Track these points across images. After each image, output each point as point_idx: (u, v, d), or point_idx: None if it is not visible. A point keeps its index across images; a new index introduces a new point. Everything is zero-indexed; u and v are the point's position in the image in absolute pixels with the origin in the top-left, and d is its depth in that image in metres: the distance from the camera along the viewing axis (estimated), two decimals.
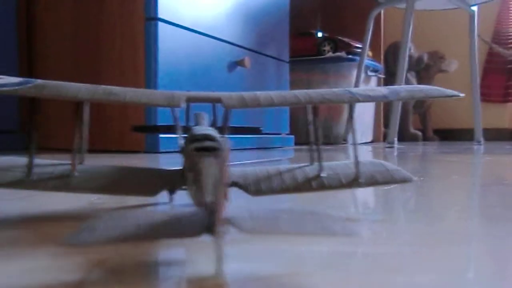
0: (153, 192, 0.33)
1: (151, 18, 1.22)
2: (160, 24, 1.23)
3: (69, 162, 0.34)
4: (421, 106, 3.07)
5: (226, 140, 0.21)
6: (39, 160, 0.34)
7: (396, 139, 1.87)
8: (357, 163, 0.36)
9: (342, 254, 0.24)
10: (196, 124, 0.40)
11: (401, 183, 0.35)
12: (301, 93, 0.37)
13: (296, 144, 1.89)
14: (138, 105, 0.33)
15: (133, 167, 0.36)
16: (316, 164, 0.37)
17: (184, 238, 0.20)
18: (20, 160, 0.33)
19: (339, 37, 2.33)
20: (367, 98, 0.37)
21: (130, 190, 0.34)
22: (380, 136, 2.69)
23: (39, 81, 0.33)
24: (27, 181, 0.32)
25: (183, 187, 0.34)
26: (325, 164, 0.37)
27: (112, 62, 1.27)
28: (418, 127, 3.11)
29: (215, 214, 0.19)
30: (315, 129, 0.38)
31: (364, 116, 2.43)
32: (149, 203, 0.39)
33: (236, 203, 0.35)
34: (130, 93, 0.34)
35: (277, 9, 1.80)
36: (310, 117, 0.39)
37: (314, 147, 0.38)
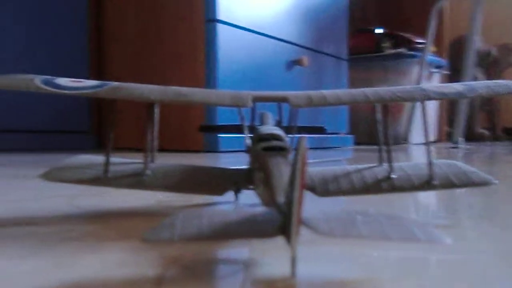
0: (221, 191, 0.34)
1: (211, 20, 1.24)
2: (220, 25, 1.24)
3: (141, 160, 0.35)
4: (489, 104, 2.91)
5: (303, 140, 0.21)
6: (114, 159, 0.35)
7: (461, 138, 1.78)
8: (430, 163, 0.34)
9: (415, 260, 0.23)
10: (262, 124, 0.40)
11: (479, 186, 0.33)
12: (370, 91, 0.36)
13: (355, 144, 1.85)
14: (206, 105, 0.33)
15: (201, 166, 0.37)
16: (385, 165, 0.36)
17: (258, 239, 0.20)
18: (98, 159, 0.35)
19: (400, 33, 2.25)
20: (441, 96, 0.35)
21: (199, 189, 0.34)
22: (443, 136, 2.58)
23: (114, 83, 0.34)
24: (104, 178, 0.33)
25: (250, 186, 0.34)
26: (396, 164, 0.36)
27: (174, 63, 1.30)
28: (485, 125, 2.95)
29: (290, 215, 0.19)
30: (385, 128, 0.36)
31: (427, 115, 2.33)
32: (214, 202, 0.40)
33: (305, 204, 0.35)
34: (198, 94, 0.35)
35: (336, 6, 1.77)
36: (379, 116, 0.38)
37: (384, 147, 0.37)
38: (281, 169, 0.27)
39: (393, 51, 2.21)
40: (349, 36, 1.89)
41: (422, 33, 2.24)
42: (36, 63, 1.26)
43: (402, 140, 2.17)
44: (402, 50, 2.20)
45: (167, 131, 1.24)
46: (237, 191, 0.38)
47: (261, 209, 0.22)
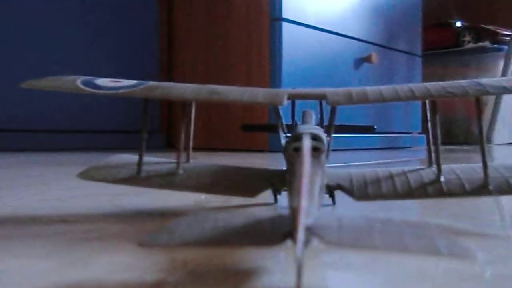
0: (254, 192, 0.33)
1: (276, 19, 1.24)
2: (284, 24, 1.24)
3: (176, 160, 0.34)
4: None
5: (306, 141, 0.19)
6: (150, 158, 0.35)
7: None
8: (485, 165, 0.31)
9: (452, 273, 0.20)
10: (302, 123, 0.38)
11: None
12: (417, 86, 0.33)
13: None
14: (240, 103, 0.32)
15: (237, 166, 0.36)
16: (434, 167, 0.33)
17: (263, 247, 0.18)
18: (135, 158, 0.35)
19: (482, 25, 2.09)
20: (500, 90, 0.31)
21: (231, 190, 0.33)
22: None
23: (151, 83, 0.34)
24: (136, 178, 0.33)
25: (285, 188, 0.32)
26: (446, 167, 0.32)
27: (239, 62, 1.31)
28: None
29: (296, 218, 0.17)
30: (433, 126, 0.33)
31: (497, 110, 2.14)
32: (253, 203, 0.39)
33: (333, 208, 0.33)
34: (232, 92, 0.34)
35: (408, 0, 1.68)
36: (428, 113, 0.34)
37: (433, 147, 0.33)
38: (316, 173, 0.25)
39: (474, 45, 2.06)
40: (425, 30, 1.79)
41: (510, 24, 2.06)
42: (106, 69, 1.32)
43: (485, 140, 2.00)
44: (485, 43, 2.04)
45: (231, 130, 1.30)
46: (276, 192, 0.37)
47: (274, 214, 0.21)
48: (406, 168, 0.34)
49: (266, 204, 0.39)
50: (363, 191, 0.31)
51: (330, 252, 0.22)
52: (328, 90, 0.33)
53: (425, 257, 0.17)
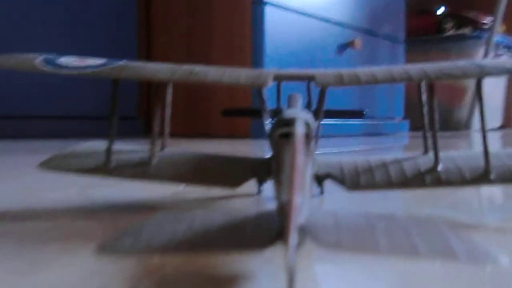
0: (236, 183, 0.30)
1: (259, 2, 1.20)
2: (267, 7, 1.20)
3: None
4: None
5: (298, 128, 0.18)
6: (120, 146, 0.32)
7: None
8: (486, 152, 0.28)
9: (466, 272, 0.18)
10: (289, 107, 0.35)
11: None
12: (413, 68, 0.30)
13: (411, 130, 1.75)
14: (220, 84, 0.29)
15: (218, 154, 0.33)
16: (431, 154, 0.30)
17: (246, 252, 0.15)
18: (102, 146, 0.31)
19: (463, 13, 2.09)
20: (502, 71, 0.28)
21: (210, 180, 0.30)
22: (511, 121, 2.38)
23: (121, 62, 0.31)
24: (105, 168, 0.30)
25: (270, 178, 0.30)
26: (444, 154, 0.30)
27: (221, 45, 1.27)
28: None
29: (288, 218, 0.14)
30: (431, 111, 0.30)
31: (492, 97, 2.16)
32: (236, 194, 0.36)
33: (325, 201, 0.31)
34: (212, 73, 0.31)
35: None
36: (424, 97, 0.32)
37: (429, 133, 0.31)
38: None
39: (455, 32, 2.05)
40: (408, 17, 1.77)
41: (490, 11, 2.05)
42: (84, 50, 1.26)
43: (464, 126, 2.02)
44: (466, 31, 2.04)
45: (212, 115, 1.25)
46: (260, 182, 0.34)
47: (260, 211, 0.18)
48: (400, 156, 0.31)
49: (249, 195, 0.36)
50: (355, 180, 0.29)
51: (326, 256, 0.19)
52: (317, 71, 0.31)
53: (441, 263, 0.14)
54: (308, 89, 0.36)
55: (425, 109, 0.32)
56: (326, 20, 1.37)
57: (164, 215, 0.17)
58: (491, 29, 2.00)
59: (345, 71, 0.31)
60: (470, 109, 2.02)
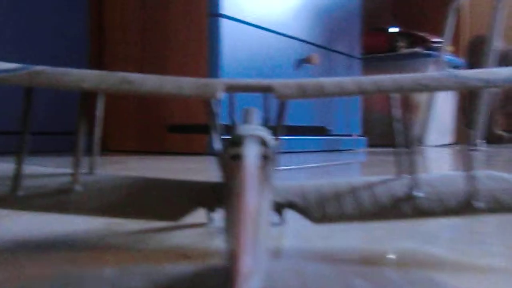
0: (177, 215, 0.24)
1: (214, 15, 1.16)
2: (223, 20, 1.16)
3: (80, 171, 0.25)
4: (508, 104, 2.75)
5: (249, 147, 0.16)
6: (35, 169, 0.26)
7: (481, 140, 1.65)
8: (470, 176, 0.24)
9: None
10: (244, 123, 0.31)
11: None
12: (385, 79, 0.26)
13: (369, 146, 1.75)
14: (161, 96, 0.24)
15: (159, 179, 0.28)
16: (406, 177, 0.26)
17: None
18: (11, 169, 0.25)
19: (415, 32, 2.14)
20: (483, 83, 0.25)
21: (146, 213, 0.24)
22: (460, 137, 2.45)
23: (37, 67, 0.25)
24: (10, 197, 0.23)
25: (220, 207, 0.25)
26: (421, 177, 0.26)
27: (176, 58, 1.22)
28: (504, 127, 2.79)
29: (235, 271, 0.10)
30: (406, 126, 0.26)
31: (443, 114, 2.22)
32: (181, 225, 0.30)
33: (286, 234, 0.27)
34: (150, 82, 0.26)
35: (348, 2, 1.67)
36: (395, 111, 0.28)
37: (403, 151, 0.26)
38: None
39: (408, 50, 2.10)
40: (363, 35, 1.79)
41: (439, 31, 2.12)
42: (31, 52, 1.17)
43: (417, 142, 2.05)
44: (417, 49, 2.09)
45: (165, 131, 1.19)
46: (209, 210, 0.29)
47: (201, 268, 0.13)
48: (371, 179, 0.27)
49: (196, 225, 0.30)
50: (321, 210, 0.24)
51: None
52: (275, 82, 0.26)
53: None
54: (265, 102, 0.31)
55: (397, 124, 0.28)
56: (284, 35, 1.35)
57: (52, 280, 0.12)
58: (440, 48, 2.06)
59: (308, 81, 0.26)
60: (424, 124, 2.05)
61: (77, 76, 0.25)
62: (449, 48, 2.19)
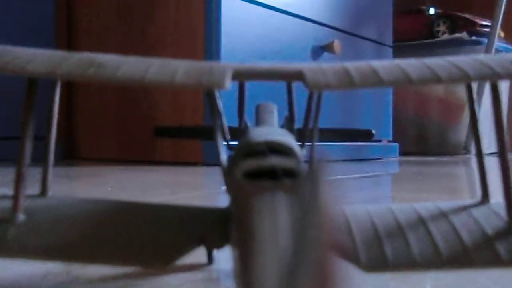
0: (169, 256, 0.21)
1: None
2: None
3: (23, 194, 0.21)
4: None
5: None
6: None
7: None
8: None
9: None
10: (258, 124, 0.29)
11: None
12: (457, 62, 0.23)
13: (401, 154, 1.75)
14: (142, 84, 0.21)
15: (140, 203, 0.24)
16: (496, 201, 0.22)
17: None
18: None
19: (458, 14, 2.11)
20: None
21: (124, 254, 0.21)
22: None
23: None
24: None
25: (227, 243, 0.22)
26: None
27: (166, 36, 1.22)
28: None
29: None
30: (500, 127, 0.22)
31: (490, 118, 2.18)
32: (173, 268, 0.26)
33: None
34: (130, 66, 0.23)
35: None
36: (474, 105, 0.24)
37: (488, 159, 0.23)
38: (278, 223, 0.16)
39: (449, 36, 2.07)
40: (395, 18, 1.77)
41: (488, 13, 2.09)
42: None
43: (462, 149, 2.01)
44: (461, 35, 2.06)
45: (153, 136, 1.17)
46: (212, 248, 0.26)
47: None
48: (442, 204, 0.23)
49: (194, 268, 0.26)
50: (374, 255, 0.20)
51: None
52: (305, 66, 0.23)
53: None
54: (290, 96, 0.28)
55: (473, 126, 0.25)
56: (299, 17, 1.34)
57: None
58: (490, 34, 2.02)
59: (352, 65, 0.23)
60: (469, 131, 2.01)
61: (22, 56, 0.21)
62: (500, 33, 2.15)
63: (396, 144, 1.72)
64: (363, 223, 0.22)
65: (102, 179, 0.83)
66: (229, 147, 0.28)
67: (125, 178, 0.84)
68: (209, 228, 0.22)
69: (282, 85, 0.27)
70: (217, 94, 0.25)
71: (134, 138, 1.25)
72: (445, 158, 1.68)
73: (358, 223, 0.22)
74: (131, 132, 1.26)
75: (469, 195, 0.65)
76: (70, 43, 1.34)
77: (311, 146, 0.25)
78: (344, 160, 1.39)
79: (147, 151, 1.22)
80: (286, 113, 0.30)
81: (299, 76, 0.21)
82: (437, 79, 0.21)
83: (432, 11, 2.14)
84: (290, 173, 0.19)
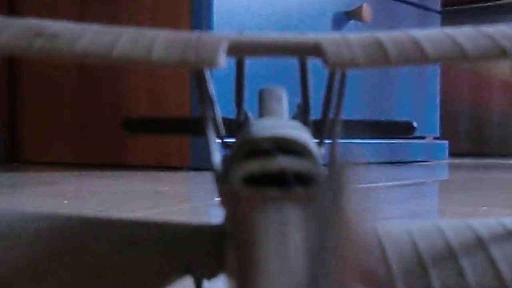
0: None
1: None
2: None
3: None
4: None
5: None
6: None
7: None
8: None
9: None
10: (263, 114, 0.31)
11: None
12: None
13: (452, 155, 1.79)
14: (108, 62, 0.23)
15: (106, 219, 0.26)
16: None
17: None
18: None
19: None
20: None
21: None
22: None
23: None
24: None
25: (220, 269, 0.24)
26: None
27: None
28: None
29: None
30: None
31: None
32: None
33: None
34: (90, 36, 0.23)
35: None
36: None
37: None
38: (288, 246, 0.18)
39: None
40: None
41: None
42: None
43: None
44: None
45: (139, 140, 1.23)
46: (198, 280, 0.27)
47: None
48: (507, 220, 0.25)
49: None
50: (419, 287, 0.22)
51: None
52: (324, 37, 0.24)
53: None
54: (304, 77, 0.29)
55: None
56: None
57: None
58: None
59: (385, 36, 0.24)
60: None
61: None
62: None
63: (445, 142, 1.75)
64: (402, 245, 0.24)
65: (56, 189, 0.84)
66: (225, 145, 0.29)
67: (86, 187, 0.86)
68: (197, 251, 0.24)
69: (293, 63, 0.28)
70: (208, 75, 0.26)
71: (98, 136, 1.29)
72: (510, 161, 1.70)
73: (396, 246, 0.23)
74: (94, 127, 1.29)
75: None
76: (11, 7, 1.37)
77: (333, 143, 0.26)
78: (376, 163, 1.41)
79: (116, 153, 1.26)
80: (299, 100, 0.31)
81: (316, 50, 0.22)
82: (502, 53, 0.21)
83: None
84: (305, 179, 0.20)
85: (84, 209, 0.59)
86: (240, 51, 0.24)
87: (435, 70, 1.74)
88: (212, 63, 0.21)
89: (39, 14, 1.33)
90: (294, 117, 0.31)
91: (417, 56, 0.22)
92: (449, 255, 0.23)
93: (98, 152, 1.28)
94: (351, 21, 1.44)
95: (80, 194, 0.78)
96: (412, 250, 0.23)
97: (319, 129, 0.29)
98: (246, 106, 0.31)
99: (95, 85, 1.27)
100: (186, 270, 0.23)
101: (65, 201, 0.68)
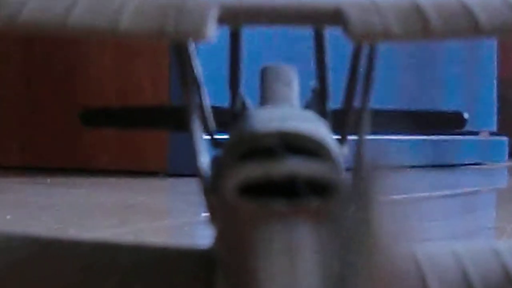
0: None
1: None
2: None
3: None
4: None
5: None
6: None
7: None
8: None
9: None
10: (265, 101, 0.32)
11: None
12: None
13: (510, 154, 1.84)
14: (69, 36, 0.25)
15: (57, 239, 0.27)
16: None
17: None
18: None
19: None
20: None
21: None
22: None
23: None
24: None
25: None
26: None
27: None
28: None
29: None
30: None
31: None
32: None
33: None
34: (39, 2, 0.24)
35: None
36: None
37: None
38: (298, 273, 0.19)
39: None
40: None
41: None
42: None
43: None
44: None
45: (113, 142, 1.27)
46: None
47: None
48: None
49: None
50: None
51: None
52: (346, 1, 0.24)
53: None
54: (320, 52, 0.30)
55: None
56: None
57: None
58: None
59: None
60: None
61: None
62: None
63: (504, 138, 1.79)
64: (448, 272, 0.25)
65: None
66: (215, 143, 0.30)
67: (35, 198, 0.86)
68: (181, 280, 0.24)
69: (307, 34, 0.28)
70: (192, 50, 0.26)
71: (50, 133, 1.30)
72: None
73: (440, 271, 0.25)
74: (44, 122, 1.31)
75: None
76: None
77: (358, 140, 0.27)
78: (416, 167, 1.42)
79: (74, 154, 1.28)
80: (314, 82, 0.32)
81: (337, 17, 0.23)
82: None
83: None
84: (321, 188, 0.21)
85: (33, 226, 0.59)
86: (235, 18, 0.24)
87: (491, 47, 1.76)
88: (198, 35, 0.22)
89: None
90: (307, 106, 0.31)
91: (469, 27, 0.22)
92: (507, 284, 0.24)
93: (49, 153, 1.30)
94: None
95: (27, 206, 0.78)
96: (460, 278, 0.24)
97: (340, 122, 0.29)
98: (243, 91, 0.32)
99: (46, 66, 1.28)
100: None
101: (8, 216, 0.68)
